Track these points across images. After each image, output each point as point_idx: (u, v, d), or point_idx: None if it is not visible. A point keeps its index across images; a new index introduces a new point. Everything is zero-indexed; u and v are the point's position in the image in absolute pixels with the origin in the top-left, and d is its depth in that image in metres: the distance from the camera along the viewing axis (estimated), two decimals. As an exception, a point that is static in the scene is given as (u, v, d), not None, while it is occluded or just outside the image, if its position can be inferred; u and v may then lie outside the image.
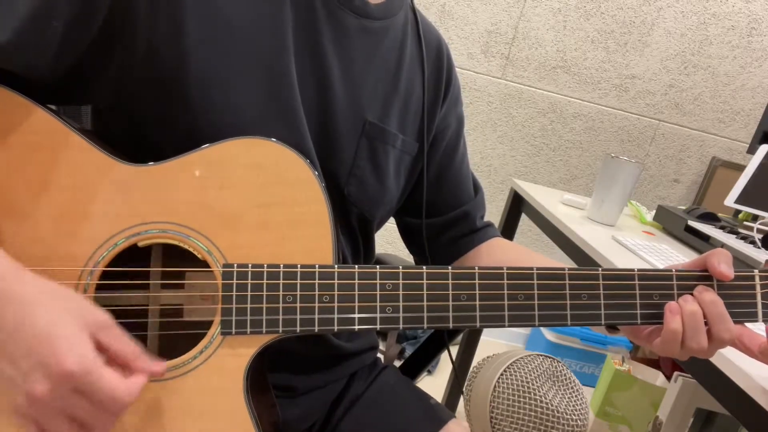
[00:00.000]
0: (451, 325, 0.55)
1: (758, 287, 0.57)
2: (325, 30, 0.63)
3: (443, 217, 0.80)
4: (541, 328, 2.30)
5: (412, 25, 0.74)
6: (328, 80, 0.63)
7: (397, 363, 0.95)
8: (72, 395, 0.43)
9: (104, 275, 0.53)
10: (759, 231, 1.20)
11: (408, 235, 0.84)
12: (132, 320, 0.57)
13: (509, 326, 0.55)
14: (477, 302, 0.55)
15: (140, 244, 0.54)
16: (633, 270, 0.56)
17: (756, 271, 0.57)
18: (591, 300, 0.56)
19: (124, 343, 0.47)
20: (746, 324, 0.81)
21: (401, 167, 0.73)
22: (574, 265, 0.61)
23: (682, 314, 0.54)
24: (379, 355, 0.87)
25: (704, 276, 0.57)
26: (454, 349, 1.93)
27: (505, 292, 0.55)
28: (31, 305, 0.43)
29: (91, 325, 0.45)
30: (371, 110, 0.67)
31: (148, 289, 0.59)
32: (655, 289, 0.56)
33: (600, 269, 0.56)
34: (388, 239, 2.28)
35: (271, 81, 0.59)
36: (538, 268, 0.55)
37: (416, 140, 0.74)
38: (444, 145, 0.78)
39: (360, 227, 0.71)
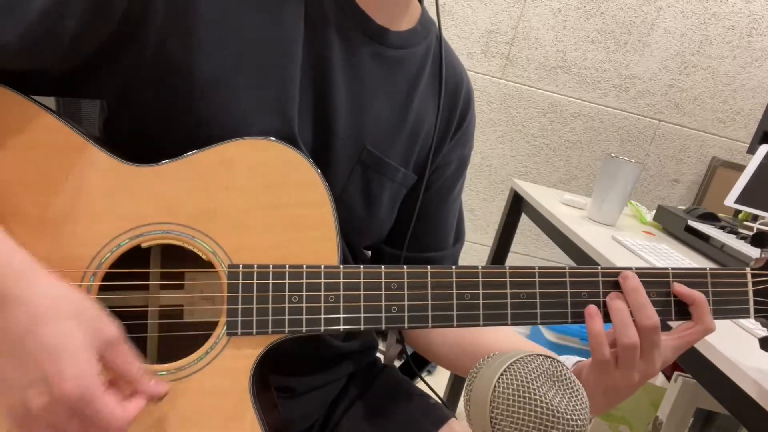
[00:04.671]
0: (455, 323, 0.55)
1: (750, 284, 0.58)
2: (336, 49, 0.62)
3: (412, 254, 0.77)
4: (541, 328, 2.30)
5: (435, 57, 0.71)
6: (332, 100, 0.62)
7: (397, 363, 0.95)
8: (68, 415, 0.43)
9: (107, 276, 0.53)
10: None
11: (375, 261, 0.81)
12: (134, 322, 0.58)
13: (512, 324, 0.56)
14: (480, 301, 0.55)
15: (144, 245, 0.54)
16: (630, 268, 0.57)
17: (747, 269, 0.58)
18: (591, 298, 0.56)
19: (130, 361, 0.47)
20: (738, 321, 0.82)
21: (397, 200, 0.72)
22: (575, 266, 0.61)
23: (610, 311, 0.55)
24: (379, 355, 0.87)
25: (700, 273, 0.57)
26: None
27: (508, 290, 0.56)
28: (42, 315, 0.43)
29: (100, 342, 0.45)
30: (372, 138, 0.66)
31: (150, 290, 0.59)
32: (652, 287, 0.57)
33: (599, 267, 0.57)
34: (389, 239, 2.28)
35: (275, 91, 0.59)
36: (539, 267, 0.56)
37: (416, 173, 0.72)
38: (438, 184, 0.76)
39: (348, 248, 0.71)
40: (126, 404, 0.46)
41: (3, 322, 0.43)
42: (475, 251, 2.43)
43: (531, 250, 2.47)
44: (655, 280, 0.57)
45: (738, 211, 1.52)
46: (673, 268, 0.57)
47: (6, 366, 0.43)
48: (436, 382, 2.18)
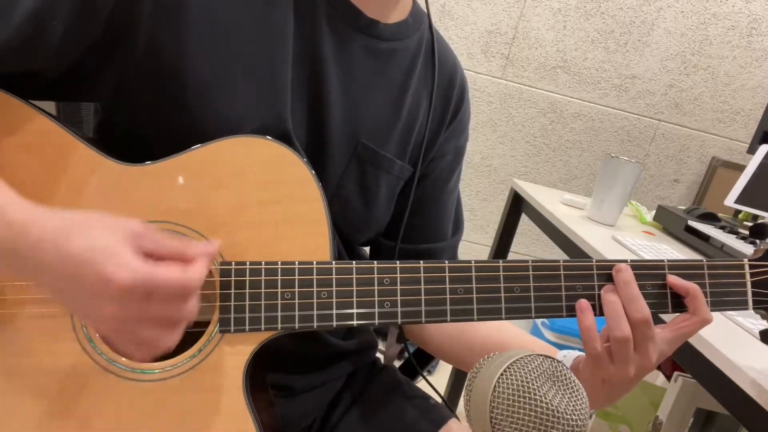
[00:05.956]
0: (449, 318, 0.55)
1: (748, 276, 0.58)
2: (327, 45, 0.62)
3: (411, 245, 0.76)
4: (541, 328, 2.30)
5: (428, 48, 0.71)
6: (325, 96, 0.62)
7: (397, 363, 0.94)
8: (143, 302, 0.43)
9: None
10: (759, 231, 1.20)
11: (374, 254, 0.81)
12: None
13: (506, 318, 0.56)
14: (474, 295, 0.55)
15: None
16: (626, 261, 0.56)
17: (745, 260, 0.59)
18: (585, 291, 0.56)
19: (166, 243, 0.46)
20: (738, 320, 0.81)
21: (395, 193, 0.71)
22: (569, 259, 0.61)
23: (603, 304, 0.54)
24: (378, 355, 0.87)
25: (697, 265, 0.57)
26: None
27: (502, 284, 0.55)
28: (62, 237, 0.43)
29: (129, 236, 0.44)
30: (367, 132, 0.66)
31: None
32: (648, 279, 0.56)
33: (594, 260, 0.56)
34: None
35: (267, 90, 0.59)
36: (533, 261, 0.56)
37: (412, 165, 0.72)
38: (435, 176, 0.75)
39: (343, 245, 0.70)
40: (189, 267, 0.45)
41: (38, 264, 0.43)
42: (475, 251, 2.42)
43: (531, 250, 2.46)
44: (651, 272, 0.56)
45: (738, 211, 1.51)
46: (669, 260, 0.57)
47: (70, 300, 0.45)
48: (436, 382, 2.16)
